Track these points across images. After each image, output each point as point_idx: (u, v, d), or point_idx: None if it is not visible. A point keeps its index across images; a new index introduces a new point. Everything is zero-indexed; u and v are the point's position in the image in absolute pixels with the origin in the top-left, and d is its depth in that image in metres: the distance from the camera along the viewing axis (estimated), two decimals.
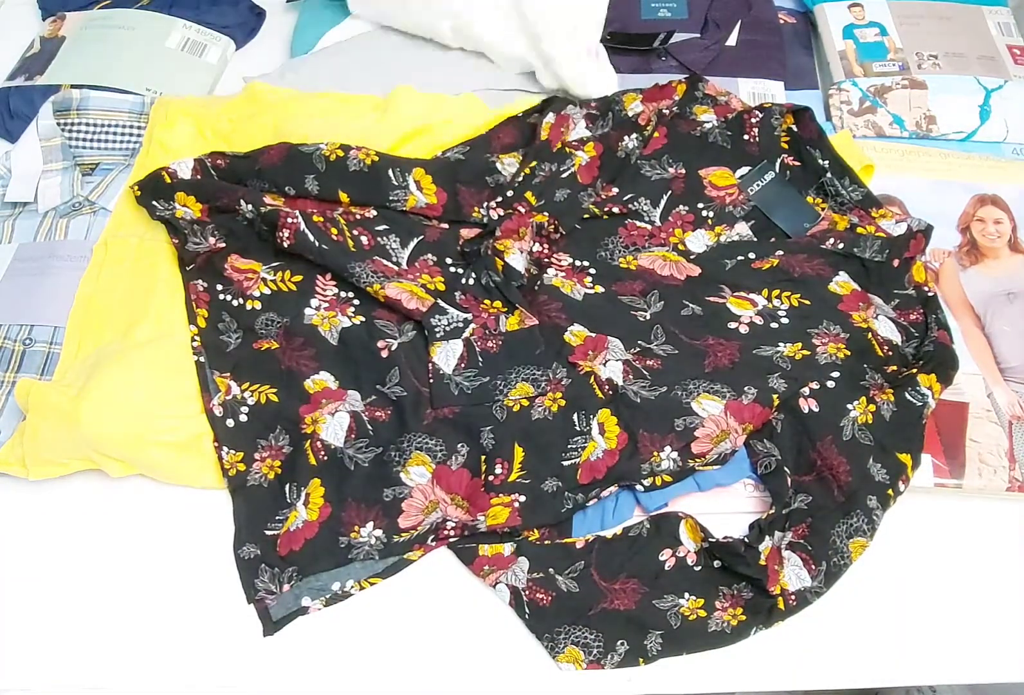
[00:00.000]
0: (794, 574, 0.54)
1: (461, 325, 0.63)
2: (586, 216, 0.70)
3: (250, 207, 0.65)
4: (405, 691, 0.54)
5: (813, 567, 0.55)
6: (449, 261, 0.68)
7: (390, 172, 0.68)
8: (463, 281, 0.65)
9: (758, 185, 0.70)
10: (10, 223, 0.71)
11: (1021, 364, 0.64)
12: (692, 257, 0.68)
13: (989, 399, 0.62)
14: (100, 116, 0.75)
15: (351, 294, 0.66)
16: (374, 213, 0.69)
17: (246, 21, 0.88)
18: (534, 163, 0.70)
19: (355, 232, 0.67)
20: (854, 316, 0.63)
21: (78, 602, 0.57)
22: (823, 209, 0.70)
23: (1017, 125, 0.77)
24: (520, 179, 0.69)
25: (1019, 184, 0.74)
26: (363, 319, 0.64)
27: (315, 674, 0.54)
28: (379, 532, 0.57)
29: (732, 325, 0.64)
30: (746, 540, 0.55)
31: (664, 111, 0.73)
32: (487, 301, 0.64)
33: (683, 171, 0.72)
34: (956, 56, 0.82)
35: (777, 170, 0.71)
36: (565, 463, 0.59)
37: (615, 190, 0.71)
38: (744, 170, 0.71)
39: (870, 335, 0.63)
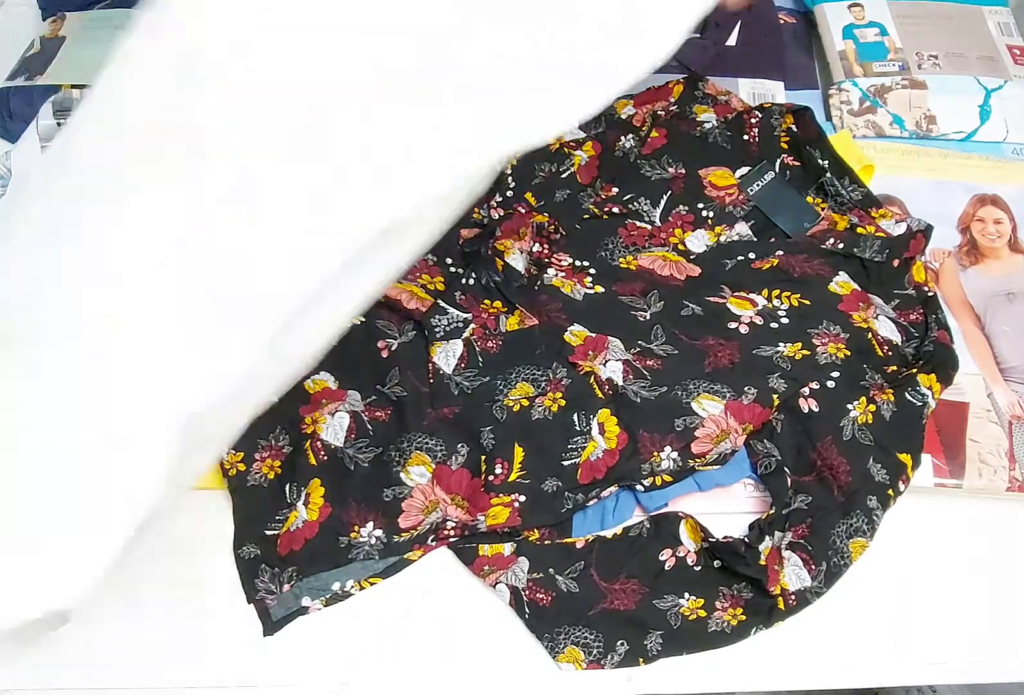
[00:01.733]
0: (794, 574, 0.54)
1: (461, 325, 0.63)
2: (586, 216, 0.70)
3: None
4: (406, 691, 0.54)
5: (813, 567, 0.55)
6: (449, 261, 0.68)
7: None
8: (463, 281, 0.65)
9: (758, 185, 0.70)
10: None
11: (1021, 364, 0.64)
12: (692, 257, 0.68)
13: (989, 399, 0.62)
14: None
15: None
16: None
17: None
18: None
19: None
20: (854, 316, 0.63)
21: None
22: (823, 209, 0.70)
23: (1017, 125, 0.77)
24: (509, 171, 0.69)
25: (1019, 184, 0.74)
26: (363, 319, 0.64)
27: (315, 674, 0.54)
28: (379, 532, 0.57)
29: (732, 325, 0.64)
30: (746, 540, 0.55)
31: (659, 112, 0.73)
32: (487, 301, 0.64)
33: (683, 171, 0.71)
34: (956, 56, 0.82)
35: (777, 170, 0.71)
36: (565, 463, 0.59)
37: (615, 190, 0.71)
38: (744, 170, 0.71)
39: (870, 335, 0.63)
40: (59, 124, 0.73)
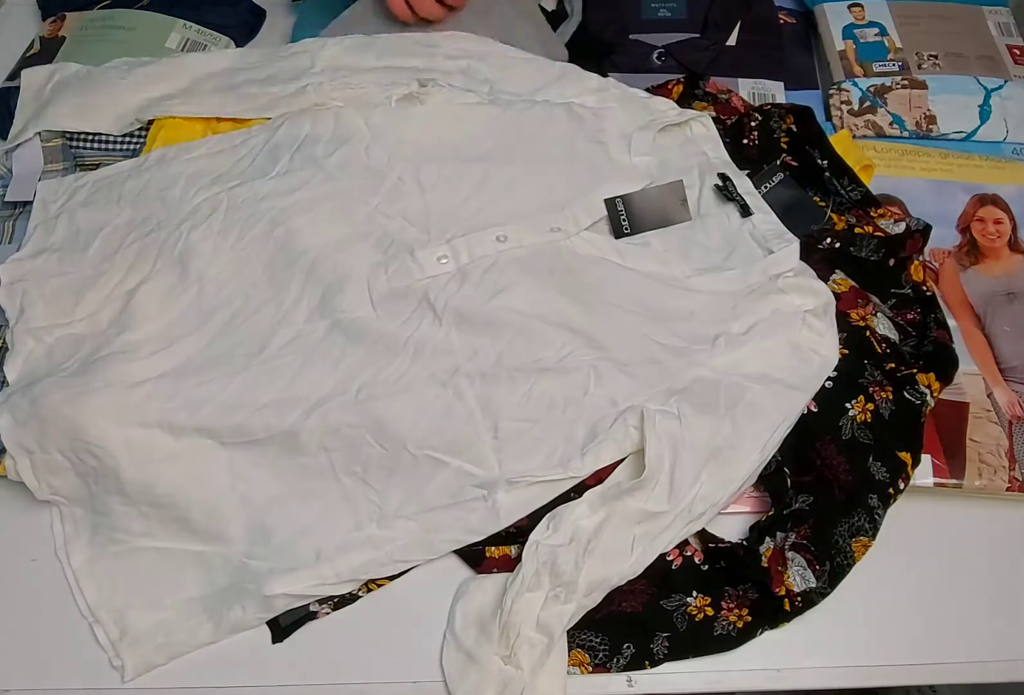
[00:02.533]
0: (799, 575, 0.55)
1: None
2: None
3: None
4: (409, 691, 0.54)
5: (817, 567, 0.55)
6: None
7: None
8: None
9: (767, 186, 0.69)
10: (10, 223, 0.71)
11: (1021, 364, 0.64)
12: None
13: (989, 399, 0.62)
14: None
15: None
16: None
17: (246, 21, 0.88)
18: None
19: None
20: (852, 314, 0.63)
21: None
22: (827, 209, 0.70)
23: (1017, 125, 0.77)
24: None
25: (1019, 184, 0.74)
26: None
27: (316, 676, 0.54)
28: None
29: None
30: (744, 543, 0.55)
31: None
32: None
33: None
34: (956, 56, 0.82)
35: (786, 173, 0.71)
36: None
37: None
38: (744, 173, 0.71)
39: (868, 333, 0.63)
40: None
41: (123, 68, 0.77)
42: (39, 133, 0.73)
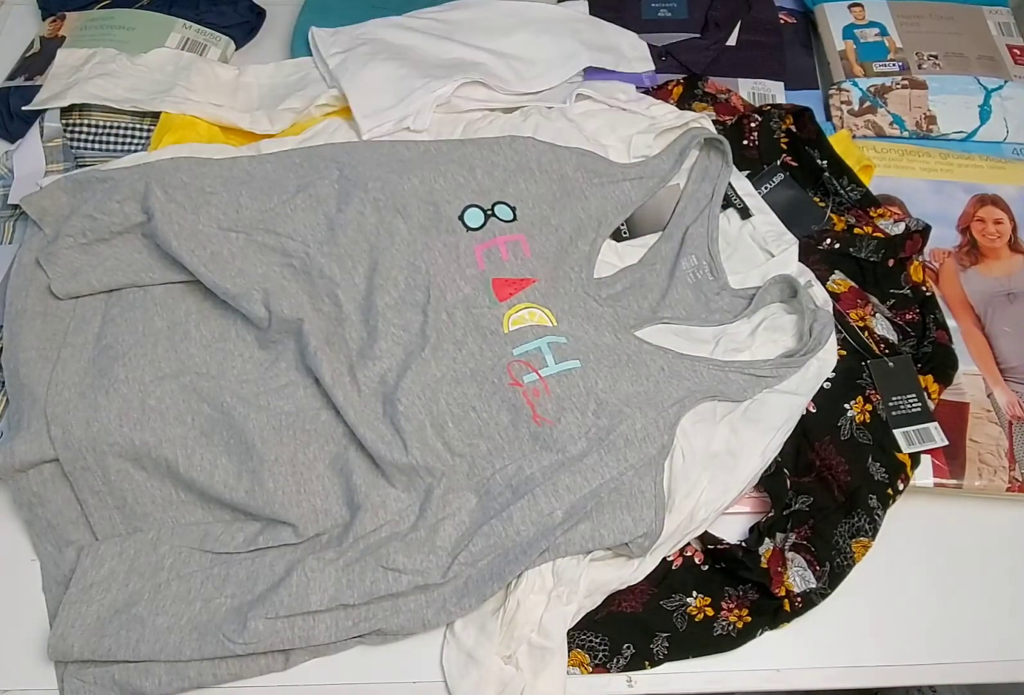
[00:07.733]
0: (799, 576, 0.55)
1: None
2: None
3: None
4: (407, 692, 0.54)
5: (817, 568, 0.55)
6: None
7: None
8: None
9: (766, 188, 0.69)
10: (10, 223, 0.71)
11: (1021, 364, 0.64)
12: None
13: (989, 399, 0.62)
14: (102, 117, 0.75)
15: None
16: None
17: (246, 21, 0.88)
18: None
19: None
20: (851, 314, 0.63)
21: None
22: (826, 209, 0.70)
23: (1017, 125, 0.78)
24: None
25: (1019, 184, 0.74)
26: None
27: (316, 676, 0.54)
28: None
29: None
30: (743, 545, 0.55)
31: None
32: None
33: None
34: (956, 56, 0.82)
35: (786, 173, 0.71)
36: None
37: None
38: (744, 173, 0.71)
39: (866, 333, 0.63)
40: (64, 126, 0.73)
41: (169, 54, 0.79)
42: (40, 131, 0.73)
